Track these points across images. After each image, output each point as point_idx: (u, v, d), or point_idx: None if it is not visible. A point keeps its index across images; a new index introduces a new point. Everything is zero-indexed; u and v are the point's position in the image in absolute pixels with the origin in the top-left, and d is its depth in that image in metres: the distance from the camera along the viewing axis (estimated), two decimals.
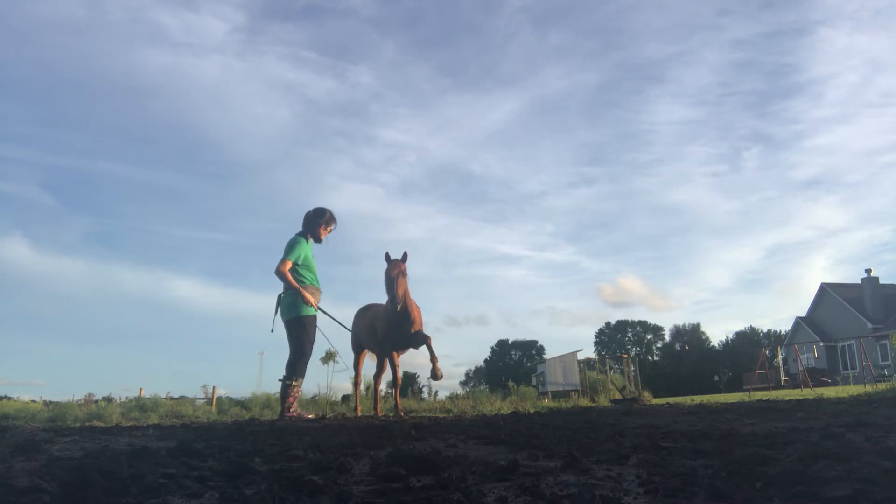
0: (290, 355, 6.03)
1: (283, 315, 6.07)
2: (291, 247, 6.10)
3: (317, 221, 6.35)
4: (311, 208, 6.39)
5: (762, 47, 57.05)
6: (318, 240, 6.35)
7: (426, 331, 6.82)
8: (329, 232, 6.49)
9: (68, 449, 2.60)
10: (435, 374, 6.69)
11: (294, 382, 5.94)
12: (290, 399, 5.89)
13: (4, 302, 39.37)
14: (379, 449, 2.42)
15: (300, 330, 5.98)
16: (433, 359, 6.74)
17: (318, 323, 6.30)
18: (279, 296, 6.12)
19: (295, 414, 5.83)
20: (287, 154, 55.61)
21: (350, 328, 7.38)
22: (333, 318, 6.75)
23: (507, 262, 74.93)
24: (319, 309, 6.37)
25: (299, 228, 6.28)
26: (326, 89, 59.07)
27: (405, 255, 6.52)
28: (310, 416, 6.05)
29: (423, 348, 6.83)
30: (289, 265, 6.03)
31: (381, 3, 58.13)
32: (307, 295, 5.99)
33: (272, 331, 6.09)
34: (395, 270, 6.41)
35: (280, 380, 5.97)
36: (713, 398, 14.68)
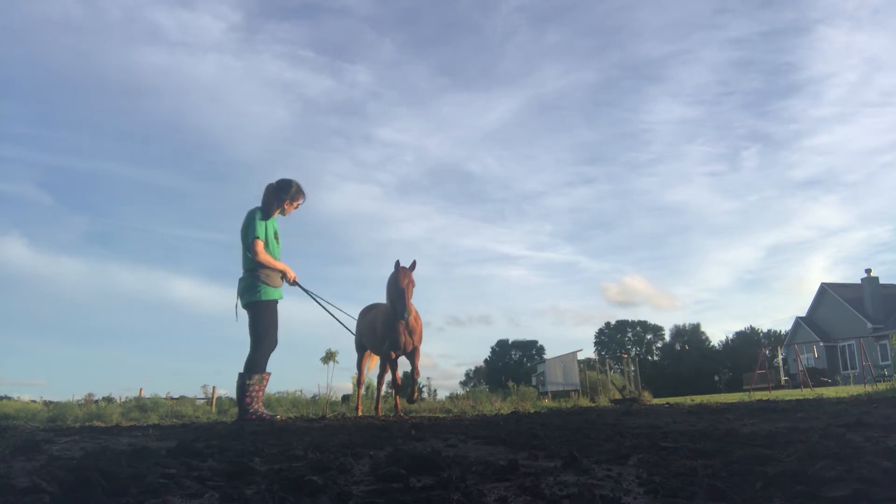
0: (250, 347, 5.41)
1: (241, 299, 5.50)
2: (251, 224, 5.45)
3: (279, 196, 5.61)
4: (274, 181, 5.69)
5: (761, 46, 57.01)
6: (283, 214, 5.73)
7: (426, 331, 6.83)
8: (296, 207, 5.78)
9: (68, 449, 2.60)
10: (411, 397, 6.63)
11: (250, 381, 5.28)
12: (247, 399, 5.26)
13: (3, 301, 39.35)
14: (379, 449, 2.42)
15: (257, 316, 5.38)
16: (414, 380, 6.76)
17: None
18: (239, 279, 5.55)
19: (254, 416, 5.19)
20: (285, 153, 55.54)
21: (351, 322, 7.36)
22: (316, 298, 6.25)
23: (506, 261, 75.00)
24: (301, 288, 5.89)
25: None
26: (324, 88, 59.05)
27: (414, 264, 6.41)
28: (270, 414, 5.42)
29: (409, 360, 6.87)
30: (261, 243, 5.40)
31: (378, 2, 58.08)
32: (283, 267, 5.47)
33: (237, 319, 5.53)
34: (404, 280, 6.23)
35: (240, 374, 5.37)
36: (713, 398, 14.67)
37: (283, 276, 5.66)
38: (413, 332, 6.59)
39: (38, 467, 1.76)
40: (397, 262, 6.36)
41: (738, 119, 61.79)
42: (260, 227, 5.48)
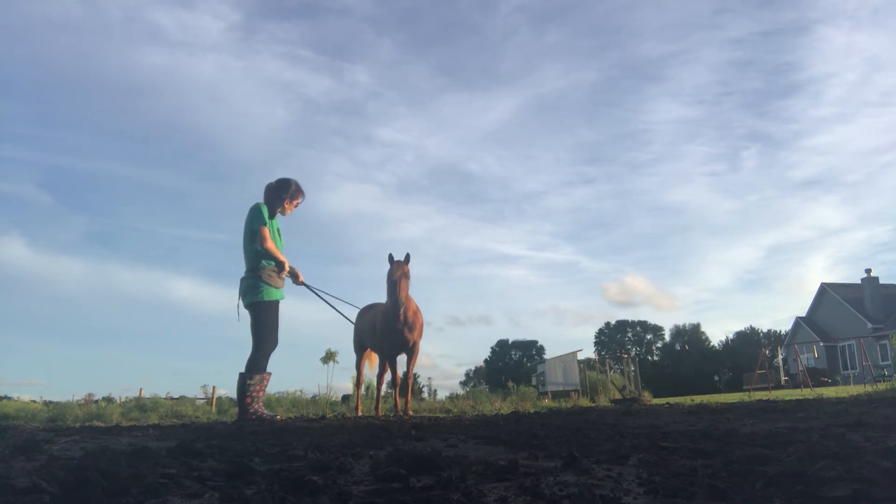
0: (252, 347, 5.39)
1: (242, 300, 5.49)
2: (258, 214, 5.47)
3: (279, 195, 5.64)
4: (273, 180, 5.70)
5: (761, 46, 56.91)
6: (282, 213, 5.75)
7: (427, 330, 6.86)
8: (295, 206, 5.82)
9: (68, 449, 2.60)
10: (406, 409, 6.72)
11: (251, 381, 5.27)
12: (248, 399, 5.25)
13: (3, 301, 39.34)
14: (379, 449, 2.42)
15: (259, 317, 5.37)
16: (409, 382, 6.80)
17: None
18: (241, 279, 5.55)
19: (255, 416, 5.18)
20: (285, 153, 55.47)
21: (352, 320, 7.42)
22: (320, 296, 6.30)
23: (506, 261, 74.98)
24: (309, 287, 5.96)
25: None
26: (323, 88, 59.00)
27: (408, 257, 6.43)
28: (270, 414, 5.40)
29: (404, 373, 6.95)
30: (268, 230, 5.43)
31: (377, 2, 58.00)
32: (285, 259, 5.49)
33: (238, 319, 5.52)
34: (397, 273, 6.25)
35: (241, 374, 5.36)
36: (713, 398, 14.67)
37: (288, 275, 5.70)
38: (413, 328, 6.60)
39: (38, 467, 1.75)
40: (390, 256, 6.40)
41: (738, 119, 61.79)
42: (266, 217, 5.53)
